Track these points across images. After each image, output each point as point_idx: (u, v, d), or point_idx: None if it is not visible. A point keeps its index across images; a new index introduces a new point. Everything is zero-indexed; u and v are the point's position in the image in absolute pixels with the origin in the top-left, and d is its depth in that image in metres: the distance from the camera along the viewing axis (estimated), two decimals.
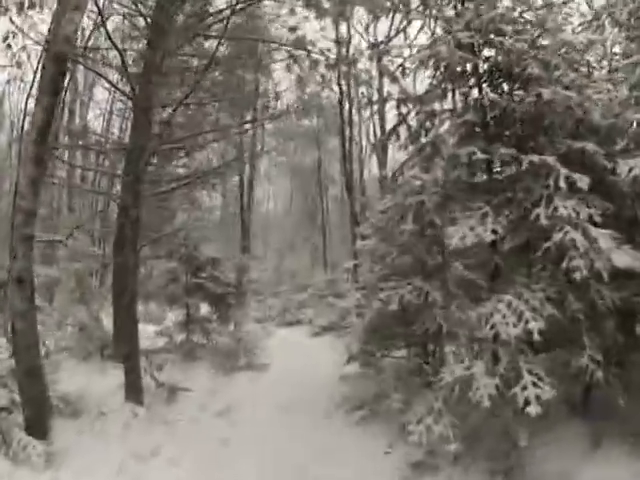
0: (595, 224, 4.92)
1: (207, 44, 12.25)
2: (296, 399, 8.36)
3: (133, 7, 11.20)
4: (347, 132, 20.73)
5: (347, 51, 19.80)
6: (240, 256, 14.27)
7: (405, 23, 18.80)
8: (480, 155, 5.78)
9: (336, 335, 14.36)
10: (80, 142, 11.97)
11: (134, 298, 8.17)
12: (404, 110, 7.58)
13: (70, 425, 6.75)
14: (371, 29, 21.53)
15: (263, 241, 32.18)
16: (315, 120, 24.43)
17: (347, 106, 20.89)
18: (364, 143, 24.94)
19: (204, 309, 12.65)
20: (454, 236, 5.15)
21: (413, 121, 7.64)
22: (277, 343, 13.11)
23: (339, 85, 20.47)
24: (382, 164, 21.81)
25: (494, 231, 5.26)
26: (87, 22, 11.32)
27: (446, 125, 7.14)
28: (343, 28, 19.64)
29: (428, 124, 7.45)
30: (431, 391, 5.86)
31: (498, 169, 6.42)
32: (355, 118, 22.89)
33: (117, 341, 10.81)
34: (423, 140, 7.28)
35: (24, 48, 10.27)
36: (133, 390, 7.97)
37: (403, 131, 7.95)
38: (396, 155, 27.91)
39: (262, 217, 33.40)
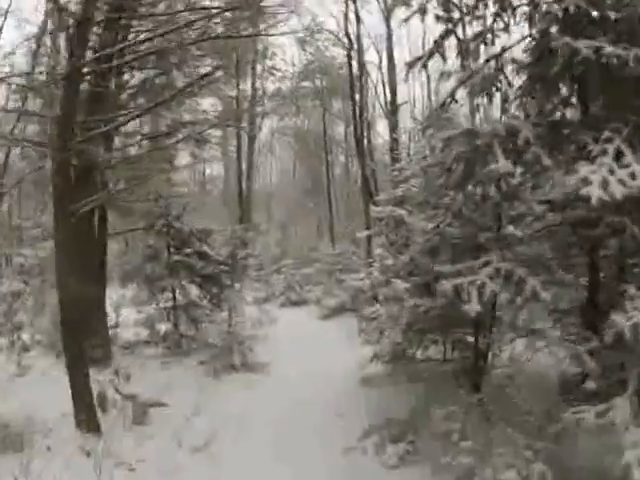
0: None
1: None
2: (303, 421, 6.26)
3: None
4: (356, 93, 18.26)
5: None
6: (236, 227, 12.11)
7: None
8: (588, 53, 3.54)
9: (348, 318, 12.38)
10: None
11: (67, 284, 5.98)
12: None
13: (4, 466, 4.74)
14: None
15: (267, 214, 30.26)
16: (319, 81, 21.94)
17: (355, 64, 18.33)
18: (370, 107, 22.55)
19: (194, 292, 10.55)
20: (591, 182, 2.92)
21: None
22: (280, 330, 11.03)
23: (347, 36, 17.89)
24: (393, 127, 19.50)
25: None
26: None
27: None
28: None
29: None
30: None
31: None
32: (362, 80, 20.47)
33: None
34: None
35: None
36: (84, 414, 5.90)
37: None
38: (406, 120, 25.61)
39: (265, 190, 31.35)
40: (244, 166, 23.30)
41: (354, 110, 16.14)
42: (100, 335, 9.07)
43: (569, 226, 4.81)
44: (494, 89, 5.23)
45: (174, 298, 10.23)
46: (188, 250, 9.82)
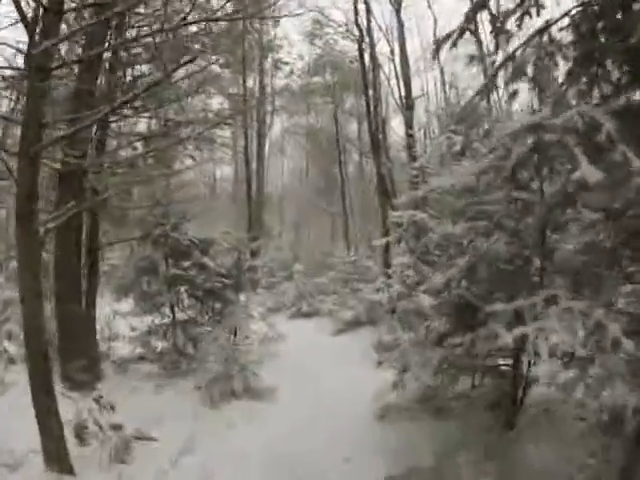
0: None
1: None
2: (310, 466, 5.32)
3: None
4: (369, 88, 17.16)
5: None
6: (242, 235, 11.21)
7: None
8: None
9: (364, 332, 11.37)
10: None
11: (35, 301, 5.08)
12: None
13: None
14: None
15: (279, 216, 29.42)
16: (329, 76, 20.91)
17: (368, 58, 17.22)
18: (384, 102, 21.46)
19: (193, 308, 9.64)
20: None
21: None
22: (289, 348, 10.05)
23: (358, 26, 16.84)
24: (408, 122, 18.41)
25: None
26: None
27: None
28: None
29: None
30: None
31: None
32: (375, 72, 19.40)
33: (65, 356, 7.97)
34: None
35: None
36: (53, 450, 5.02)
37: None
38: (419, 116, 24.45)
39: (276, 191, 30.58)
40: (254, 166, 22.42)
41: (368, 104, 15.06)
42: (87, 355, 8.22)
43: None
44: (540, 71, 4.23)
45: (173, 314, 9.35)
46: (187, 263, 8.90)
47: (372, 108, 15.62)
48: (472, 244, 5.32)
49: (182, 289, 9.10)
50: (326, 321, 12.51)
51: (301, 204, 28.40)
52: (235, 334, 9.62)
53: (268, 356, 9.24)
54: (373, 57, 16.84)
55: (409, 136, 18.09)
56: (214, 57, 9.91)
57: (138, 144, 9.27)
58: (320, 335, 11.53)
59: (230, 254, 10.04)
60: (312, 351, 10.05)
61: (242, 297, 10.16)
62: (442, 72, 22.95)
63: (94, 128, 8.46)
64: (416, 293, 9.41)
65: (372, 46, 17.25)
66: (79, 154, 7.59)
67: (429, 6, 21.02)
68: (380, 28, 19.29)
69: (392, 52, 19.74)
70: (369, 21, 16.36)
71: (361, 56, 16.70)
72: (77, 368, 7.79)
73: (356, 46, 17.18)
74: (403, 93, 18.63)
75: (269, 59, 20.50)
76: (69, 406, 6.55)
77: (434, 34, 22.19)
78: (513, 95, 5.73)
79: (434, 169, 11.15)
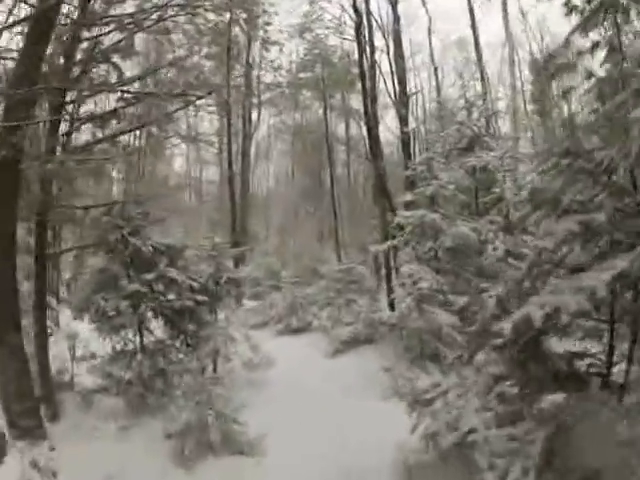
0: None
1: None
2: None
3: None
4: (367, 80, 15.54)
5: None
6: (223, 241, 9.50)
7: None
8: None
9: (364, 353, 9.77)
10: None
11: None
12: None
13: None
14: None
15: (264, 219, 27.72)
16: (319, 70, 19.29)
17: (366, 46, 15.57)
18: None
19: (162, 330, 7.93)
20: None
21: None
22: (279, 375, 8.37)
23: (357, 11, 15.21)
24: (403, 119, 16.87)
25: None
26: None
27: None
28: None
29: None
30: None
31: None
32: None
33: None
34: None
35: None
36: None
37: None
38: (417, 112, 22.97)
39: (261, 194, 29.21)
40: (238, 167, 20.74)
41: (365, 96, 13.37)
42: (31, 397, 6.51)
43: None
44: None
45: (140, 337, 7.66)
46: (151, 275, 7.19)
47: (369, 101, 13.91)
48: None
49: (147, 307, 7.36)
50: (320, 338, 10.83)
51: (287, 207, 26.76)
52: (215, 366, 7.99)
53: (254, 388, 7.59)
54: (371, 44, 15.18)
55: (404, 134, 16.61)
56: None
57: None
58: (314, 357, 9.84)
59: (208, 263, 8.38)
60: (307, 379, 8.39)
61: (222, 315, 8.50)
62: (436, 71, 21.72)
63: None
64: (431, 308, 7.90)
65: (370, 32, 15.61)
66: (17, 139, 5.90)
67: (423, 4, 19.80)
68: (376, 21, 17.79)
69: (387, 46, 18.23)
70: (367, 3, 14.74)
71: (359, 43, 14.90)
72: (21, 412, 6.19)
73: (347, 42, 15.71)
74: (397, 89, 17.16)
75: (258, 42, 18.79)
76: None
77: (429, 33, 20.98)
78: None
79: (444, 163, 9.66)
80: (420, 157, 11.04)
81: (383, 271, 13.26)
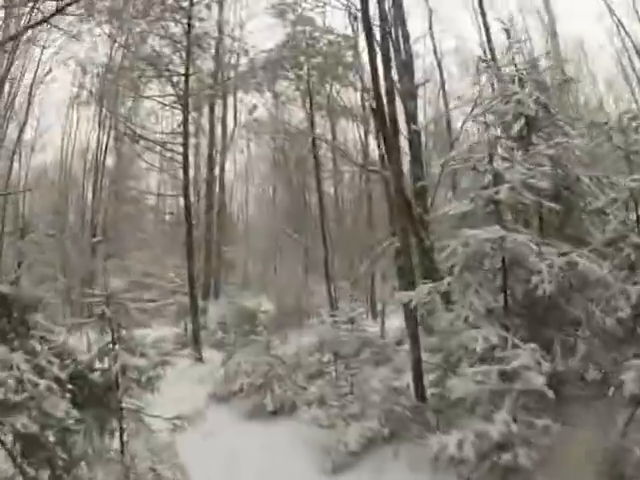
0: None
1: None
2: None
3: None
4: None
5: None
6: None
7: None
8: None
9: (388, 465, 5.96)
10: None
11: None
12: None
13: None
14: None
15: (245, 247, 24.31)
16: (303, 58, 15.55)
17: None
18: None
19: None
20: None
21: None
22: None
23: None
24: (411, 114, 13.32)
25: None
26: None
27: None
28: None
29: None
30: None
31: None
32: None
33: None
34: None
35: None
36: None
37: None
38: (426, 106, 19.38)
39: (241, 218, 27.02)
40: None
41: (377, 90, 9.44)
42: None
43: None
44: None
45: None
46: None
47: (384, 93, 9.94)
48: None
49: None
50: (309, 433, 6.89)
51: (269, 232, 23.47)
52: None
53: None
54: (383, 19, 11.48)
55: (413, 133, 13.13)
56: None
57: None
58: (305, 472, 5.96)
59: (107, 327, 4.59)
60: None
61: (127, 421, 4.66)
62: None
63: None
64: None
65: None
66: None
67: None
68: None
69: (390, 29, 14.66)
70: None
71: (366, 20, 11.11)
72: None
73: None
74: (403, 77, 13.57)
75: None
76: None
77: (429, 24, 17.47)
78: None
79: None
80: (459, 149, 7.38)
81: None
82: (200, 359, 12.23)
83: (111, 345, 4.44)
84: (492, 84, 9.25)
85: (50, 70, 16.51)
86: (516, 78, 7.05)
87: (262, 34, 16.26)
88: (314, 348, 8.78)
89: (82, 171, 20.88)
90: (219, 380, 9.26)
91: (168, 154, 12.98)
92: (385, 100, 9.20)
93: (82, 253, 17.23)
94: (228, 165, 22.55)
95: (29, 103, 16.46)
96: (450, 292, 5.54)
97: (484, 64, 8.23)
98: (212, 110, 16.15)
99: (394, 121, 9.62)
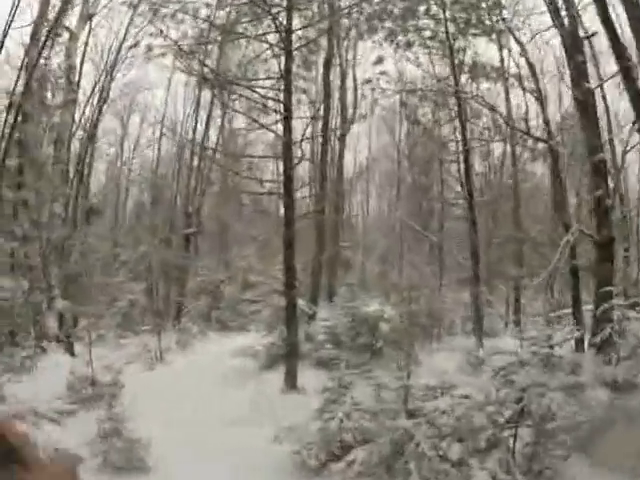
0: None
1: None
2: None
3: None
4: None
5: None
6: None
7: None
8: None
9: None
10: None
11: None
12: None
13: None
14: None
15: (363, 249, 22.04)
16: None
17: None
18: None
19: None
20: None
21: None
22: None
23: None
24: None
25: None
26: None
27: None
28: None
29: None
30: None
31: None
32: None
33: None
34: None
35: None
36: None
37: None
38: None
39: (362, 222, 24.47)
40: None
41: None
42: None
43: None
44: None
45: None
46: None
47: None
48: None
49: None
50: None
51: (390, 229, 21.02)
52: None
53: None
54: None
55: (587, 91, 9.42)
56: None
57: None
58: None
59: None
60: None
61: None
62: None
63: None
64: None
65: None
66: None
67: None
68: None
69: None
70: None
71: None
72: None
73: None
74: None
75: None
76: None
77: None
78: None
79: None
80: None
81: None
82: (294, 385, 8.98)
83: None
84: None
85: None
86: None
87: None
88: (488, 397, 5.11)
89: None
90: (312, 433, 5.69)
91: (269, 103, 10.17)
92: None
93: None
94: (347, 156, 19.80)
95: None
96: None
97: None
98: (327, 66, 13.08)
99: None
